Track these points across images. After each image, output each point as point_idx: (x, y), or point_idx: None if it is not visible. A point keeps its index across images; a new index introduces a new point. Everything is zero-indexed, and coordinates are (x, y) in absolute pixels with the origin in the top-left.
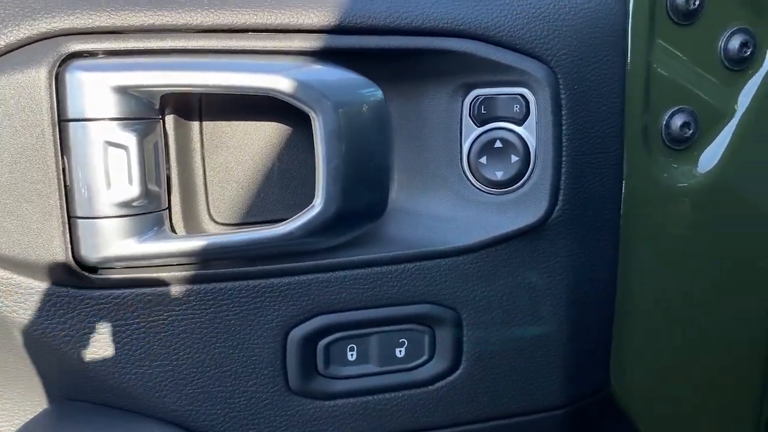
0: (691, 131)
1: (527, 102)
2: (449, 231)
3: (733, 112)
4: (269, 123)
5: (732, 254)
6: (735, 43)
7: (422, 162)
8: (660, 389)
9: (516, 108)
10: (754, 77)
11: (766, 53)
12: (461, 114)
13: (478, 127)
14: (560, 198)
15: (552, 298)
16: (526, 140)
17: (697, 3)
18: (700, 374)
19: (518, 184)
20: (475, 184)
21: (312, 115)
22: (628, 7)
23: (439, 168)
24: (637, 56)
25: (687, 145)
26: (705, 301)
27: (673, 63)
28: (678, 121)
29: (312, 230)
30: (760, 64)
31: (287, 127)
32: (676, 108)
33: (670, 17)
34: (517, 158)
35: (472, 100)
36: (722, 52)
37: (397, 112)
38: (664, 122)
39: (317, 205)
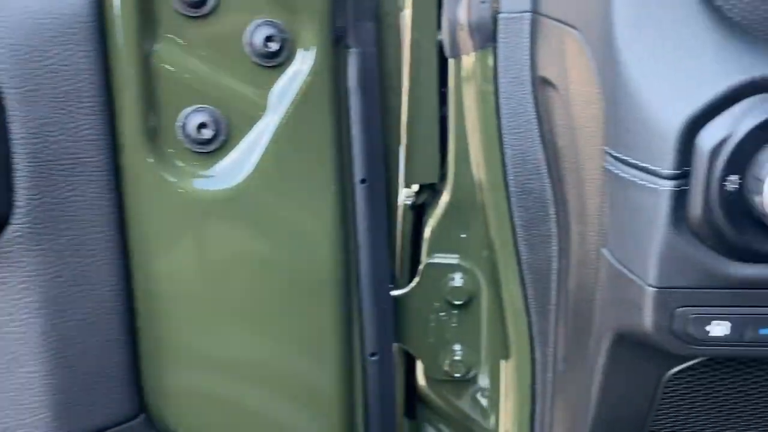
0: (213, 133)
1: None
2: None
3: (265, 112)
4: None
5: (264, 261)
6: (259, 36)
7: None
8: (207, 413)
9: None
10: (285, 74)
11: (297, 48)
12: None
13: None
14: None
15: (18, 323)
16: None
17: None
18: (250, 397)
19: None
20: None
21: None
22: None
23: None
24: (131, 52)
25: (211, 148)
26: (238, 317)
27: (187, 59)
28: (195, 122)
29: None
30: (291, 60)
31: None
32: (193, 108)
33: (175, 9)
34: None
35: None
36: (248, 47)
37: None
38: (180, 124)
39: None
